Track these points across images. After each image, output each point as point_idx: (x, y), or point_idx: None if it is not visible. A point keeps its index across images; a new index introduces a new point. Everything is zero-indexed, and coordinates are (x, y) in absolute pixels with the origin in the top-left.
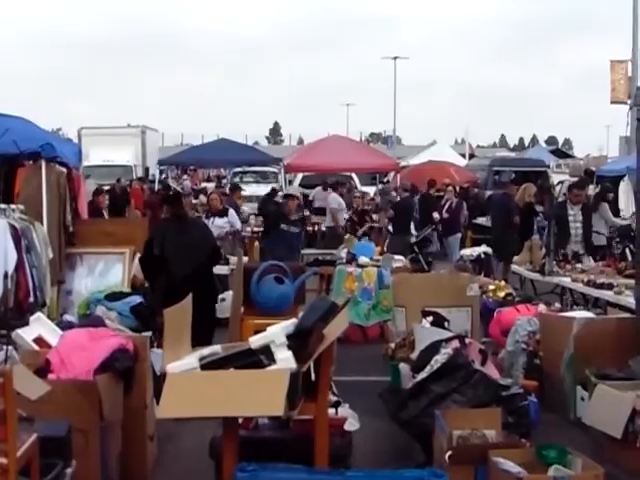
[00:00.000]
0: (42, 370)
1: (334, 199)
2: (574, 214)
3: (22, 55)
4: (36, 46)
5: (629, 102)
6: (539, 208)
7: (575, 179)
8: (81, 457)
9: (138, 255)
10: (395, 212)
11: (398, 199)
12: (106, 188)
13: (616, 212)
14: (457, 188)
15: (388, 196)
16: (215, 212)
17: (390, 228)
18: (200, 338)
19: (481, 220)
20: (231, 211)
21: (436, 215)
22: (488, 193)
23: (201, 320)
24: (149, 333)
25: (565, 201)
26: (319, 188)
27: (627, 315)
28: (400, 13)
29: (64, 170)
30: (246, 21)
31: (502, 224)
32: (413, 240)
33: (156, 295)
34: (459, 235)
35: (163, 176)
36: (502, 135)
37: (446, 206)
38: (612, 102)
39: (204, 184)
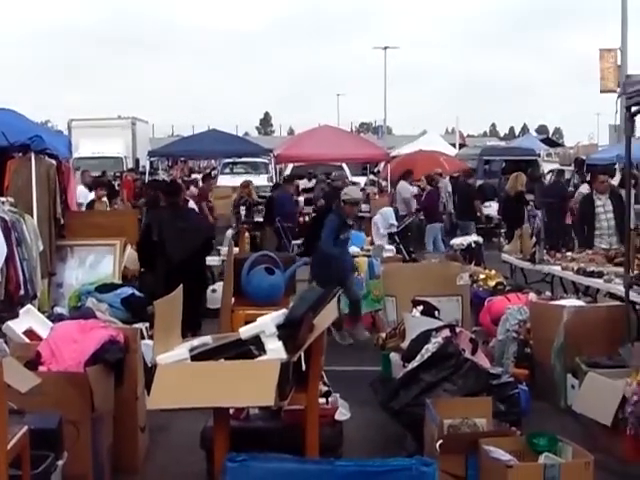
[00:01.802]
0: (32, 362)
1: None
2: (602, 204)
3: (9, 46)
4: (23, 37)
5: (618, 91)
6: (529, 197)
7: (569, 167)
8: (72, 449)
9: (129, 246)
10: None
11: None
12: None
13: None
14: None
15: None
16: None
17: None
18: (188, 323)
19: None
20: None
21: (414, 205)
22: (479, 181)
23: (190, 305)
24: (141, 324)
25: (590, 193)
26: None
27: (617, 303)
28: (391, 3)
29: (54, 162)
30: (237, 13)
31: None
32: (394, 230)
33: (154, 278)
34: (437, 225)
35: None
36: (492, 124)
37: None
38: (602, 91)
39: (194, 175)
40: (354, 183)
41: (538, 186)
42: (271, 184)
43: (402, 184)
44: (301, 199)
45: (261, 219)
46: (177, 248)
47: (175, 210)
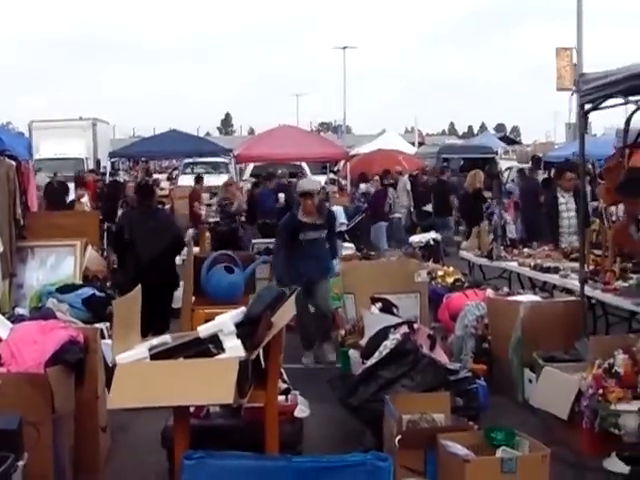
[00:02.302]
0: None
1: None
2: (566, 202)
3: None
4: None
5: (573, 89)
6: (487, 194)
7: (526, 165)
8: (33, 450)
9: (90, 247)
10: None
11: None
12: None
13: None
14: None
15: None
16: None
17: None
18: (156, 324)
19: (430, 207)
20: None
21: (362, 204)
22: (437, 178)
23: (159, 305)
24: (101, 324)
25: (554, 190)
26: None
27: (573, 298)
28: (348, 3)
29: (13, 163)
30: (196, 17)
31: None
32: (344, 229)
33: (125, 277)
34: (382, 224)
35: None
36: (451, 123)
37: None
38: (558, 89)
39: (156, 175)
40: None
41: (496, 182)
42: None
43: (403, 181)
44: (282, 195)
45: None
46: (146, 247)
47: (146, 211)
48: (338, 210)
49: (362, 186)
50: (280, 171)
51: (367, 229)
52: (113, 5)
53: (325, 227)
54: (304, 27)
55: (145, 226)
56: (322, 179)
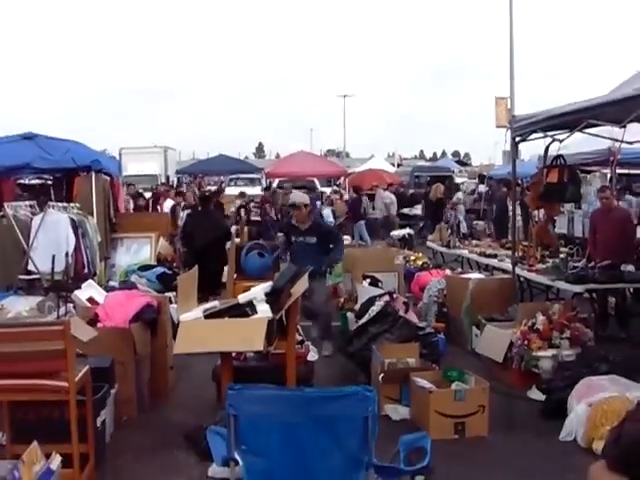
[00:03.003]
0: (92, 321)
1: (388, 196)
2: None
3: (81, 99)
4: (93, 92)
5: (508, 126)
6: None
7: (474, 180)
8: (121, 382)
9: (161, 238)
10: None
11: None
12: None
13: None
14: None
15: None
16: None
17: None
18: (210, 289)
19: (405, 210)
20: None
21: (344, 208)
22: (411, 191)
23: (213, 277)
24: (169, 294)
25: (505, 198)
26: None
27: (507, 276)
28: (349, 60)
29: (108, 179)
30: (237, 69)
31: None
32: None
33: (189, 257)
34: (361, 222)
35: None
36: (421, 150)
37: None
38: (497, 126)
39: (209, 187)
40: (322, 192)
41: (454, 193)
42: (262, 193)
43: (387, 193)
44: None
45: (258, 218)
46: (203, 238)
47: (204, 212)
48: (326, 211)
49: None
50: (286, 185)
51: (349, 227)
52: (172, 59)
53: (313, 234)
54: (317, 78)
55: (203, 223)
56: (328, 190)
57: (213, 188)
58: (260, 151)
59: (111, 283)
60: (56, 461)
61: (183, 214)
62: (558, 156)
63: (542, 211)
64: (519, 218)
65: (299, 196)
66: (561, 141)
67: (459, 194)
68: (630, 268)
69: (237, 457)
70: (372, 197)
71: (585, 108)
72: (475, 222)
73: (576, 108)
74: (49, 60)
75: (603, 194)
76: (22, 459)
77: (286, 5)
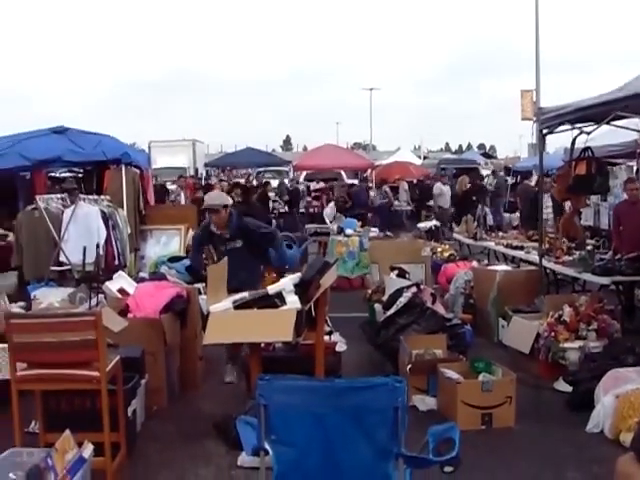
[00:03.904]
0: (123, 311)
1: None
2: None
3: (111, 93)
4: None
5: (534, 119)
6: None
7: (501, 172)
8: (151, 371)
9: (190, 230)
10: None
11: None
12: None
13: None
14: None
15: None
16: None
17: None
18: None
19: (431, 202)
20: None
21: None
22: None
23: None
24: (199, 285)
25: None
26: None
27: (533, 268)
28: (376, 54)
29: (137, 171)
30: (264, 63)
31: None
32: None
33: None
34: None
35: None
36: (446, 143)
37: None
38: (522, 119)
39: (237, 179)
40: (351, 185)
41: (479, 185)
42: (289, 185)
43: (437, 184)
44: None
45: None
46: None
47: (245, 203)
48: (331, 205)
49: (384, 187)
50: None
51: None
52: (202, 55)
53: (238, 237)
54: (343, 72)
55: (245, 213)
56: (355, 181)
57: (241, 181)
58: (287, 144)
59: (141, 274)
60: (88, 449)
61: None
62: (586, 148)
63: (568, 203)
64: (547, 211)
65: (215, 197)
66: (589, 133)
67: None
68: None
69: (267, 447)
70: (396, 189)
71: (614, 100)
72: (502, 214)
73: (604, 100)
74: (79, 55)
75: (632, 185)
76: (55, 447)
77: (314, 2)
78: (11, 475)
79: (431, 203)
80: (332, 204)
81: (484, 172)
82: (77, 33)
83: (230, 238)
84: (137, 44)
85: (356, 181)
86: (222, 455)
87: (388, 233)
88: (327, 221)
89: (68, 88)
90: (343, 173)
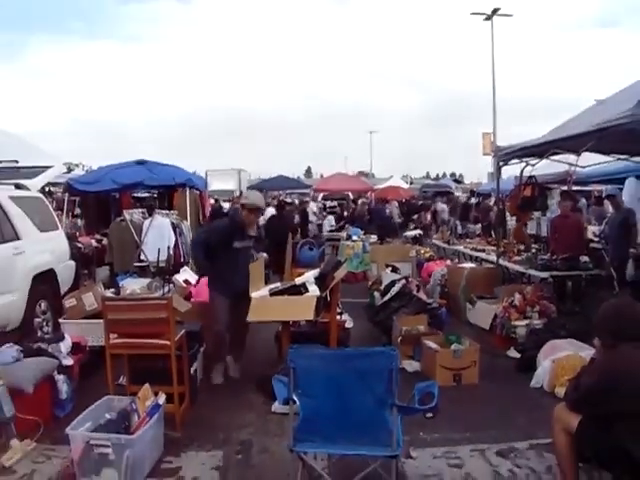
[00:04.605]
0: (187, 297)
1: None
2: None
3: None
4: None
5: (492, 154)
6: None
7: (467, 194)
8: (207, 341)
9: None
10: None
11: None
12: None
13: None
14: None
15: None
16: None
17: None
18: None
19: (415, 216)
20: None
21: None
22: (420, 202)
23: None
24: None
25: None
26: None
27: (492, 265)
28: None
29: (198, 192)
30: (292, 108)
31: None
32: (333, 229)
33: (270, 246)
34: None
35: None
36: (427, 171)
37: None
38: (484, 154)
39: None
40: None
41: (453, 204)
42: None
43: (394, 204)
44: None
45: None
46: (275, 235)
47: (280, 215)
48: (330, 218)
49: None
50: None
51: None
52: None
53: (251, 238)
54: (347, 117)
55: (277, 224)
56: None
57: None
58: (309, 172)
59: None
60: (162, 398)
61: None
62: (531, 176)
63: (514, 217)
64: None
65: (260, 199)
66: (533, 165)
67: (443, 205)
68: (585, 259)
69: (295, 398)
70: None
71: (551, 141)
72: (468, 225)
73: (544, 141)
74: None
75: (565, 203)
76: (138, 396)
77: (326, 62)
78: (107, 415)
79: (415, 217)
80: (330, 217)
81: (456, 193)
82: (157, 89)
83: (251, 237)
84: (197, 93)
85: (360, 200)
86: (261, 404)
87: (388, 239)
88: (326, 229)
89: (147, 131)
90: (350, 194)
